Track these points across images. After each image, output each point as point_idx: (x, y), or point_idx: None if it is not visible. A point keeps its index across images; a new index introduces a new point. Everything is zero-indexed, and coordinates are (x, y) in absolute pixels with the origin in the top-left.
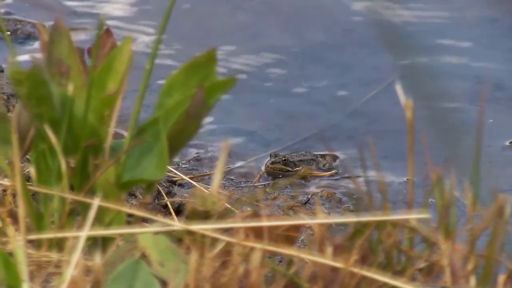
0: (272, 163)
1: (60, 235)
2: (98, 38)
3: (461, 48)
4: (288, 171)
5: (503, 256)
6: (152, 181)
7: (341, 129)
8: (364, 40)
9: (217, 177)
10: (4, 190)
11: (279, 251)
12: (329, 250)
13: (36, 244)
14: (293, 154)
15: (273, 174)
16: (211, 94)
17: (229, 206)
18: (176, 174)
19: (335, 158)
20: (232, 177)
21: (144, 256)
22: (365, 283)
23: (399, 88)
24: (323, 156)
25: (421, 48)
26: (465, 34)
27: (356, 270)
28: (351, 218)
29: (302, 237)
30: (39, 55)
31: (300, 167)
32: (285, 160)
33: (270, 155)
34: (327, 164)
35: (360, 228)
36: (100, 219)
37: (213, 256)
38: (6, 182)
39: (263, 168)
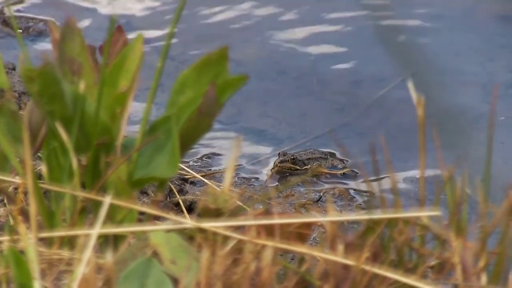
0: (281, 162)
1: (71, 233)
2: (110, 36)
3: (473, 45)
4: (297, 169)
5: None
6: (164, 179)
7: (353, 127)
8: (377, 37)
9: (228, 175)
10: (16, 188)
11: (290, 249)
12: (340, 247)
13: (47, 242)
14: (301, 152)
15: (282, 173)
16: (223, 92)
17: (240, 204)
18: (188, 172)
19: (347, 156)
20: (243, 175)
21: (155, 254)
22: (376, 281)
23: (411, 85)
24: (334, 154)
25: (432, 46)
26: (477, 32)
27: (367, 267)
28: (362, 216)
29: (314, 235)
30: (51, 53)
31: (309, 166)
32: (293, 158)
33: (279, 154)
34: (339, 162)
35: (371, 225)
36: (112, 217)
37: (224, 253)
38: (17, 180)
39: (272, 167)
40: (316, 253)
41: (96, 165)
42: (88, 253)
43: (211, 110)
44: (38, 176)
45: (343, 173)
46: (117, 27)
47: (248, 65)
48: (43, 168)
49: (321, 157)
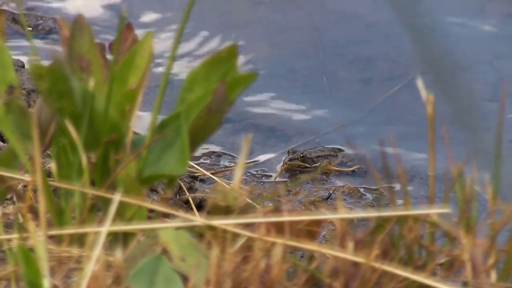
0: (290, 159)
1: (81, 230)
2: (119, 33)
3: (482, 43)
4: (306, 167)
5: None
6: (174, 176)
7: (362, 124)
8: (387, 35)
9: (238, 173)
10: (25, 186)
11: (300, 246)
12: (350, 245)
13: (57, 239)
14: (311, 150)
15: (291, 170)
16: (233, 89)
17: (250, 201)
18: (197, 169)
19: (356, 153)
20: (253, 173)
21: (165, 252)
22: (386, 278)
23: (420, 83)
24: (344, 151)
25: (442, 44)
26: (486, 30)
27: (377, 265)
28: (372, 213)
29: (324, 232)
30: (60, 51)
31: (318, 163)
32: (303, 156)
33: (288, 151)
34: (348, 160)
35: (381, 223)
36: (121, 214)
37: (234, 251)
38: (26, 177)
39: (281, 164)
40: (326, 250)
41: (105, 162)
42: (97, 250)
43: (221, 107)
44: (47, 174)
45: (353, 170)
46: (126, 25)
47: (257, 62)
48: (52, 165)
49: (330, 155)
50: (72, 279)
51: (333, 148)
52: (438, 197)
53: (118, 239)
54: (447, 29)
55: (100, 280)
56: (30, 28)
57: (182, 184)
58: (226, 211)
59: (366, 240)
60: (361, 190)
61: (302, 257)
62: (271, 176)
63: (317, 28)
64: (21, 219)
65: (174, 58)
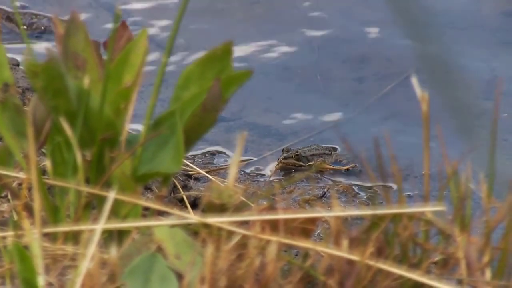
0: (285, 158)
1: (75, 228)
2: (114, 31)
3: (476, 41)
4: (301, 165)
5: None
6: (168, 174)
7: (357, 123)
8: (381, 33)
9: (233, 171)
10: (20, 184)
11: (295, 244)
12: (345, 243)
13: (51, 237)
14: (305, 149)
15: (286, 169)
16: (228, 87)
17: (245, 199)
18: (192, 167)
19: (351, 151)
20: (248, 171)
21: (160, 249)
22: (381, 276)
23: (415, 82)
24: (338, 150)
25: (437, 40)
26: (480, 28)
27: (372, 262)
28: (367, 211)
29: (318, 230)
30: (54, 49)
31: (313, 162)
32: (297, 155)
33: (283, 150)
34: (343, 158)
35: (376, 221)
36: (116, 212)
37: (229, 249)
38: (21, 175)
39: (276, 163)
40: (321, 248)
41: (100, 160)
42: (92, 248)
43: (216, 105)
44: (42, 172)
45: (347, 169)
46: (121, 23)
47: (251, 61)
48: (47, 163)
49: (325, 153)
50: (67, 276)
51: (327, 146)
52: (433, 195)
53: (113, 237)
54: (443, 28)
55: (95, 277)
56: (25, 27)
57: (176, 183)
58: (221, 209)
59: (360, 238)
60: (356, 188)
61: (297, 255)
62: (265, 174)
63: (311, 27)
64: (16, 217)
65: (169, 56)
